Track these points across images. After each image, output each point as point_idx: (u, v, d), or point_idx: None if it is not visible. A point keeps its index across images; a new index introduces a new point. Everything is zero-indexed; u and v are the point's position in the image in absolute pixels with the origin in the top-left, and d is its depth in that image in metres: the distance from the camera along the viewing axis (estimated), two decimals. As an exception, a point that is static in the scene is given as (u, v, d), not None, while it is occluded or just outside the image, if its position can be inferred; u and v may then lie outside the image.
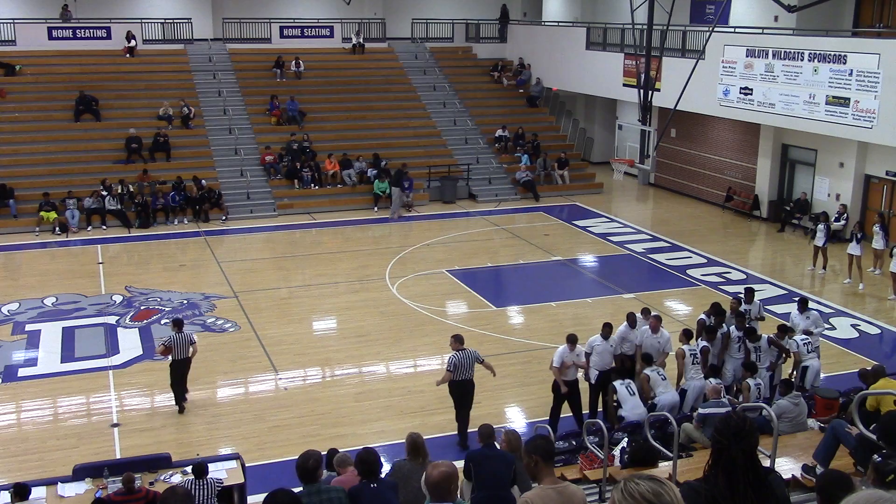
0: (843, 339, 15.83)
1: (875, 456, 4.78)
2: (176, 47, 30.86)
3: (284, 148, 26.95)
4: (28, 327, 16.36)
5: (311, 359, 15.01)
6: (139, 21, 30.44)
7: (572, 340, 12.22)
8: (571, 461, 10.80)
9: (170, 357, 12.85)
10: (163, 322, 16.53)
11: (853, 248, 18.83)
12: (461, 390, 11.86)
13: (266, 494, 5.11)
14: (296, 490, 5.74)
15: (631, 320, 12.81)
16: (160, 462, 10.05)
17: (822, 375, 12.67)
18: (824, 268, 19.83)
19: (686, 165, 28.31)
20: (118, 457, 11.42)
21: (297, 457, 6.52)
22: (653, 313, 13.03)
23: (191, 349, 12.92)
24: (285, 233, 23.73)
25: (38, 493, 9.21)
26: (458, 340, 12.03)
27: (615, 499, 2.92)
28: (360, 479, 6.90)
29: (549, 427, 11.50)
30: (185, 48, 30.86)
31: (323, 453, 7.13)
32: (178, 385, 12.91)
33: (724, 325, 12.82)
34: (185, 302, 17.70)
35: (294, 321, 16.94)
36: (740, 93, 22.60)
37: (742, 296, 14.02)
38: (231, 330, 16.30)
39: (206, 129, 27.71)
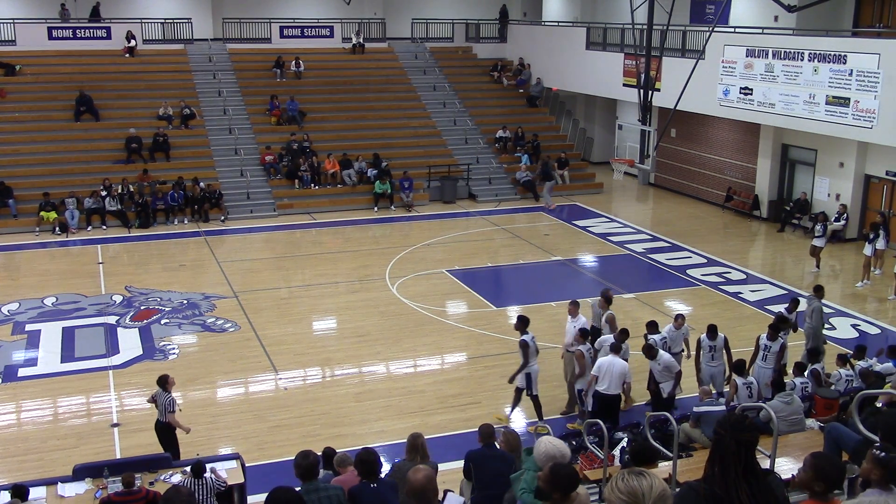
0: (843, 340, 15.82)
1: (876, 451, 4.54)
2: (176, 47, 30.86)
3: (284, 148, 26.95)
4: (28, 327, 16.36)
5: (311, 359, 15.01)
6: (139, 21, 30.46)
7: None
8: (572, 461, 10.77)
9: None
10: (163, 322, 16.55)
11: (868, 250, 18.86)
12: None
13: (268, 493, 5.13)
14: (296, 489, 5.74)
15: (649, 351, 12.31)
16: (160, 462, 10.05)
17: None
18: (818, 266, 19.87)
19: (686, 165, 28.31)
20: (118, 457, 11.43)
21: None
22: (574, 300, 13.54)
23: (168, 414, 10.83)
24: (285, 233, 23.72)
25: (38, 493, 9.20)
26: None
27: (606, 496, 3.17)
28: (359, 478, 6.90)
29: (548, 426, 11.48)
30: (185, 48, 30.87)
31: (318, 454, 7.14)
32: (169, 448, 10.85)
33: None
34: (185, 302, 17.70)
35: (294, 321, 16.94)
36: (740, 93, 22.60)
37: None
38: (231, 330, 16.30)
39: (206, 129, 27.70)
